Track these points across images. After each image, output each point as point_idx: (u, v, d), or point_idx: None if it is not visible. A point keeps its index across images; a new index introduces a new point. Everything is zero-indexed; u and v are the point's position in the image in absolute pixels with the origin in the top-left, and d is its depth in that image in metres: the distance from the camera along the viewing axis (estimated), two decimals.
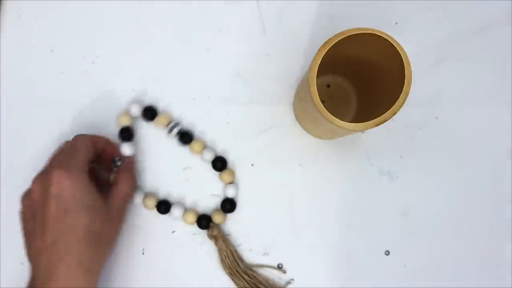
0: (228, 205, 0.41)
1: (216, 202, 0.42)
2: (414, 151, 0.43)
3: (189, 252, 0.41)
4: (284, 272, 0.41)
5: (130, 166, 0.40)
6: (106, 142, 0.40)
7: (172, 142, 0.42)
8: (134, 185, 0.39)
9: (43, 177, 0.34)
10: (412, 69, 0.31)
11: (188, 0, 0.44)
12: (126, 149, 0.40)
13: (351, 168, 0.43)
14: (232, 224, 0.41)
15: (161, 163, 0.42)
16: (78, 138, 0.37)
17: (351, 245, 0.41)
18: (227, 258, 0.39)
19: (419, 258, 0.41)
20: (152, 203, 0.40)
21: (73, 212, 0.32)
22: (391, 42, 0.31)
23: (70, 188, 0.33)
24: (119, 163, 0.40)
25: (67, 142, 0.38)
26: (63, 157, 0.35)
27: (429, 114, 0.43)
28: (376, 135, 0.43)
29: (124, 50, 0.43)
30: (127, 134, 0.41)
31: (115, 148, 0.40)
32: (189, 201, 0.42)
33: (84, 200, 0.33)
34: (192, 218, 0.40)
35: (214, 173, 0.42)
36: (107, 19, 0.44)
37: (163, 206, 0.40)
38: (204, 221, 0.40)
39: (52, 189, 0.33)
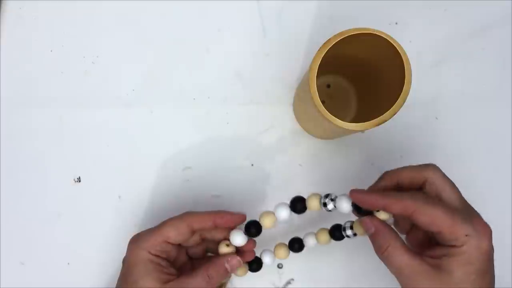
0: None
1: (217, 204, 0.42)
2: (414, 151, 0.43)
3: None
4: (284, 272, 0.41)
5: (221, 267, 0.33)
6: (217, 218, 0.33)
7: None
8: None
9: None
10: (412, 69, 0.31)
11: (188, 0, 0.44)
12: (238, 238, 0.34)
13: (351, 168, 0.43)
14: None
15: (160, 163, 0.42)
16: (172, 218, 0.34)
17: (351, 245, 0.41)
18: None
19: None
20: None
21: (124, 282, 0.33)
22: (391, 42, 0.31)
23: (130, 258, 0.33)
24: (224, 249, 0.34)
25: (171, 218, 0.34)
26: (149, 228, 0.34)
27: (429, 114, 0.43)
28: (376, 135, 0.43)
29: (124, 50, 0.43)
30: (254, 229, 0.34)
31: (229, 218, 0.34)
32: (189, 202, 0.42)
33: (134, 276, 0.32)
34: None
35: (215, 174, 0.42)
36: (107, 19, 0.44)
37: None
38: None
39: (126, 253, 0.34)
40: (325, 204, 0.33)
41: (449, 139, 0.43)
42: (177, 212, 0.42)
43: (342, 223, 0.35)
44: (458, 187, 0.42)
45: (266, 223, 0.34)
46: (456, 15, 0.44)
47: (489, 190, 0.42)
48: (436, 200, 0.30)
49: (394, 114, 0.31)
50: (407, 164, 0.42)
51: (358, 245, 0.39)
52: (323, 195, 0.33)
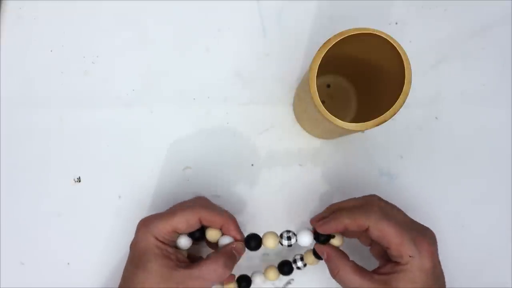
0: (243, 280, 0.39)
1: None
2: (414, 151, 0.43)
3: None
4: None
5: (231, 253, 0.34)
6: (224, 226, 0.35)
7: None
8: (221, 277, 0.33)
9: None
10: (412, 69, 0.31)
11: (188, 0, 0.44)
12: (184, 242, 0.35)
13: (351, 168, 0.43)
14: None
15: (160, 163, 0.42)
16: (184, 209, 0.34)
17: (351, 245, 0.41)
18: None
19: None
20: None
21: (134, 266, 0.33)
22: (391, 42, 0.31)
23: (140, 243, 0.33)
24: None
25: (183, 203, 0.36)
26: (159, 214, 0.34)
27: (429, 114, 0.43)
28: (376, 135, 0.43)
29: (124, 50, 0.43)
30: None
31: (232, 229, 0.35)
32: None
33: (143, 260, 0.33)
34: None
35: (215, 174, 0.42)
36: (107, 19, 0.44)
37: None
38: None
39: (134, 237, 0.34)
40: (288, 238, 0.35)
41: (449, 139, 0.43)
42: None
43: (289, 258, 0.39)
44: (458, 187, 0.42)
45: (211, 237, 0.35)
46: (456, 15, 0.44)
47: (489, 190, 0.42)
48: (388, 215, 0.32)
49: (394, 114, 0.31)
50: (407, 164, 0.43)
51: (357, 246, 0.39)
52: (279, 233, 0.36)
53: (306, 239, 0.35)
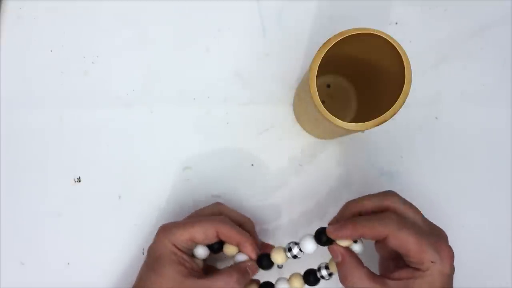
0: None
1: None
2: (414, 151, 0.43)
3: None
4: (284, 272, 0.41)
5: (245, 271, 0.35)
6: (241, 244, 0.35)
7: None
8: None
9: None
10: (412, 69, 0.31)
11: (188, 0, 0.44)
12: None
13: (351, 168, 0.43)
14: None
15: (160, 163, 0.42)
16: (204, 221, 0.35)
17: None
18: None
19: None
20: None
21: (149, 268, 0.34)
22: (391, 42, 0.31)
23: (157, 247, 0.34)
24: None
25: (202, 210, 0.37)
26: (179, 222, 0.35)
27: (429, 114, 0.43)
28: (376, 135, 0.43)
29: (124, 50, 0.43)
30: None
31: (248, 247, 0.35)
32: (189, 202, 0.42)
33: (158, 263, 0.33)
34: None
35: (215, 174, 0.42)
36: (107, 19, 0.44)
37: None
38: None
39: (153, 240, 0.35)
40: (289, 249, 0.35)
41: (449, 139, 0.43)
42: (178, 213, 0.42)
43: (314, 267, 0.36)
44: (458, 187, 0.42)
45: (228, 252, 0.36)
46: (456, 15, 0.44)
47: (489, 190, 0.42)
48: (406, 223, 0.31)
49: (394, 114, 0.31)
50: (407, 165, 0.43)
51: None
52: (284, 245, 0.35)
53: (309, 246, 0.34)
